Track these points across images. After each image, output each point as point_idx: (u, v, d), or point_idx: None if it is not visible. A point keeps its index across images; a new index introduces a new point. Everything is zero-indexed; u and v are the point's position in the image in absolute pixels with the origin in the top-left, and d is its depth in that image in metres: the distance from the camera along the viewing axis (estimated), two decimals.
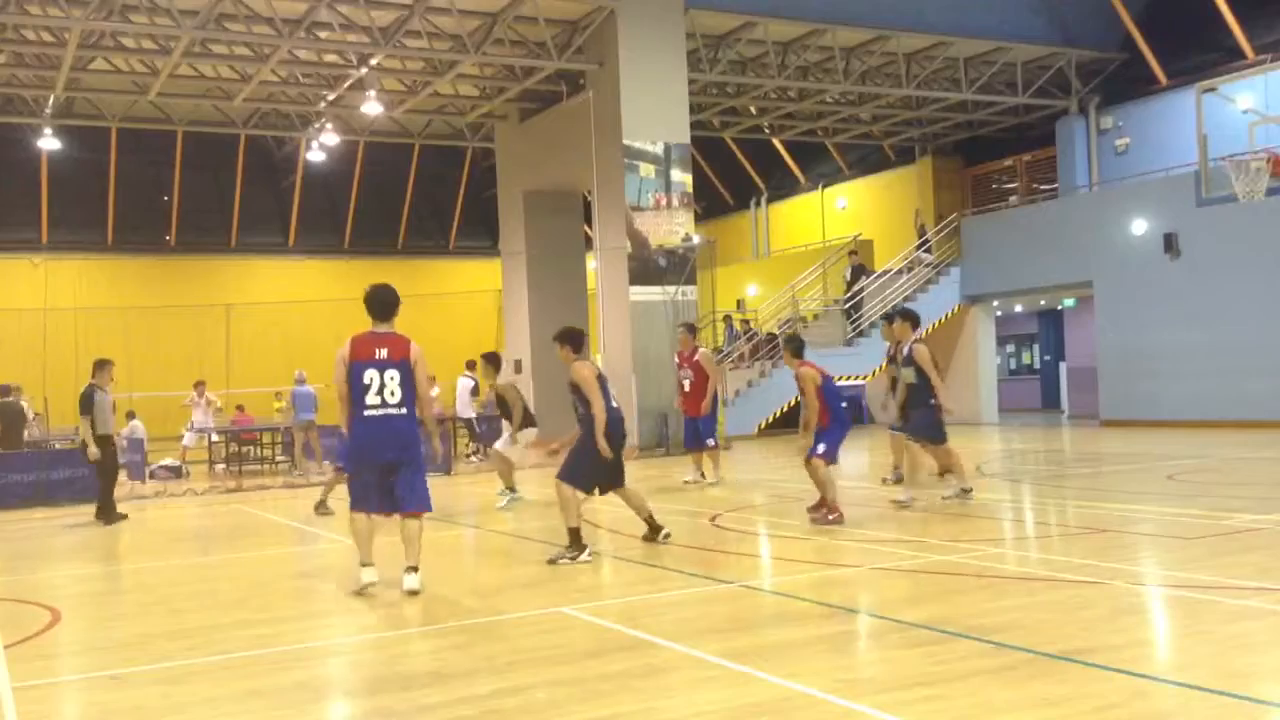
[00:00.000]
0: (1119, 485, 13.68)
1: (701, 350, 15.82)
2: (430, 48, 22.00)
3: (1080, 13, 25.47)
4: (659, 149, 22.23)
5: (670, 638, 6.27)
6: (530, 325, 26.34)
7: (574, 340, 9.53)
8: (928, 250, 27.74)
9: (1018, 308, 30.35)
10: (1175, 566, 7.98)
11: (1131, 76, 25.75)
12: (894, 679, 5.32)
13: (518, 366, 26.51)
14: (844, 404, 10.94)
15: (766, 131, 30.94)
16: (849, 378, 26.64)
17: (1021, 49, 25.25)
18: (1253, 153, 18.84)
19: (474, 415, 22.07)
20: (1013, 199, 29.29)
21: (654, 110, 22.09)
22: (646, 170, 22.13)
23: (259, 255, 35.23)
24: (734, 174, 35.76)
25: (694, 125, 24.22)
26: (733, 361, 26.51)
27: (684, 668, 5.71)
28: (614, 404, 9.29)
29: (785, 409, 23.72)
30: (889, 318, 13.15)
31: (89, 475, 14.51)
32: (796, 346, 11.16)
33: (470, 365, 23.17)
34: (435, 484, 17.11)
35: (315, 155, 31.41)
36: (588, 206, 25.44)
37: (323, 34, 21.33)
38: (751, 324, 28.46)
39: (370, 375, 7.77)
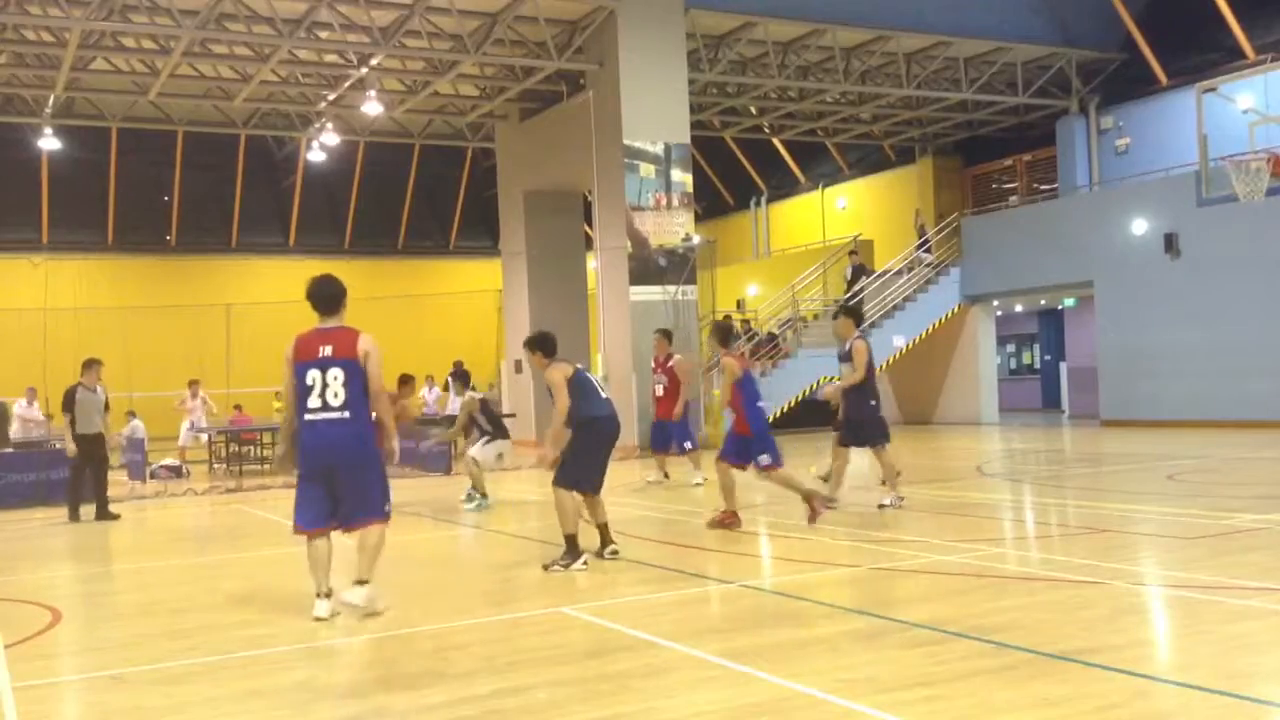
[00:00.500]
0: (1119, 485, 13.68)
1: (677, 357, 15.93)
2: (430, 48, 22.00)
3: (1080, 13, 25.46)
4: (659, 149, 22.23)
5: (670, 638, 6.27)
6: (530, 325, 26.26)
7: (543, 345, 9.32)
8: (928, 250, 27.74)
9: (1018, 308, 30.34)
10: (1176, 566, 7.98)
11: (1132, 76, 25.74)
12: (894, 679, 5.32)
13: (518, 366, 26.53)
14: (761, 403, 10.63)
15: (766, 131, 30.94)
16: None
17: (1021, 49, 25.24)
18: (1253, 153, 18.85)
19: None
20: (1013, 199, 29.28)
21: (654, 110, 22.09)
22: (647, 170, 22.13)
23: (259, 255, 35.21)
24: (734, 174, 35.76)
25: (694, 125, 24.22)
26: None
27: (684, 668, 5.71)
28: (604, 397, 9.17)
29: (786, 409, 23.70)
30: (837, 315, 13.05)
31: (93, 476, 14.56)
32: (722, 334, 10.96)
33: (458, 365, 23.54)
34: (436, 484, 17.07)
35: (315, 155, 31.39)
36: (588, 206, 25.43)
37: (323, 34, 21.33)
38: (752, 324, 28.46)
39: (312, 376, 7.08)
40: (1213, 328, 22.11)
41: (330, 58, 23.02)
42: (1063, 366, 30.75)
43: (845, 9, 23.32)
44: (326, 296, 7.29)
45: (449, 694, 5.37)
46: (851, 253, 28.17)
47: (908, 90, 25.49)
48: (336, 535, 7.31)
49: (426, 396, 26.89)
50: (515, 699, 5.23)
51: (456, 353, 27.90)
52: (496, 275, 30.48)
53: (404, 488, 16.85)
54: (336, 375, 7.05)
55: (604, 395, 9.23)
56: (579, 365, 9.41)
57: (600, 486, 9.19)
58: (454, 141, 30.82)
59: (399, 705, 5.29)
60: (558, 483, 8.98)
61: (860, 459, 11.95)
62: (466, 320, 36.53)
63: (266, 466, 22.11)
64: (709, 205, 35.19)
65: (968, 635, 5.99)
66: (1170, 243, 22.89)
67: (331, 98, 25.20)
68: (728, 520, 10.57)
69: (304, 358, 7.12)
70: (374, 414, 7.25)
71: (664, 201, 22.32)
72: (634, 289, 21.99)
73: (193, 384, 23.93)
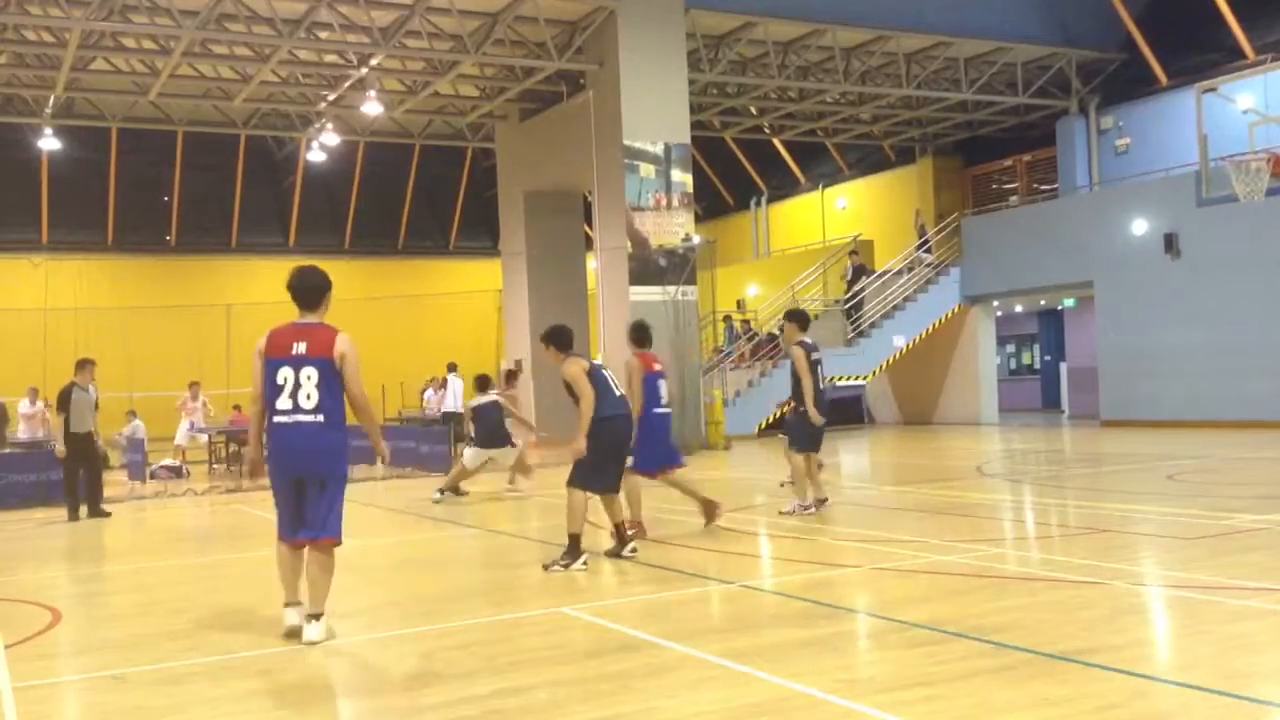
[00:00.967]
0: (1119, 485, 13.68)
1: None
2: (430, 48, 22.00)
3: (1080, 13, 25.47)
4: (659, 149, 22.23)
5: (670, 638, 6.27)
6: (530, 325, 26.30)
7: (559, 339, 9.23)
8: (928, 250, 27.75)
9: (1018, 308, 30.35)
10: (1175, 566, 7.98)
11: (1132, 76, 25.75)
12: (894, 679, 5.32)
13: (518, 366, 26.54)
14: (658, 410, 10.39)
15: (767, 131, 30.94)
16: (849, 378, 26.66)
17: (1022, 49, 25.25)
18: (1253, 153, 18.85)
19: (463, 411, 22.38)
20: (1013, 199, 29.29)
21: (654, 110, 22.09)
22: (647, 170, 22.13)
23: (259, 255, 35.20)
24: (734, 174, 35.76)
25: (694, 125, 24.22)
26: (733, 361, 26.51)
27: (684, 668, 5.70)
28: (618, 395, 9.10)
29: (786, 409, 23.69)
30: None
31: (86, 475, 14.61)
32: (638, 333, 10.76)
33: (452, 367, 23.79)
34: (435, 484, 17.03)
35: (315, 155, 31.40)
36: (588, 206, 25.44)
37: (323, 34, 21.34)
38: (752, 324, 28.47)
39: (284, 374, 6.55)
40: (1213, 328, 22.11)
41: (330, 58, 23.03)
42: (1063, 367, 30.75)
43: (845, 9, 23.33)
44: (308, 289, 6.80)
45: (449, 694, 5.37)
46: (852, 253, 28.18)
47: (908, 90, 25.50)
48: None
49: (429, 398, 26.92)
50: (515, 699, 5.23)
51: (456, 353, 27.94)
52: (496, 275, 30.49)
53: (404, 488, 16.86)
54: (310, 375, 6.53)
55: (618, 394, 9.15)
56: (596, 361, 9.33)
57: (617, 486, 9.15)
58: (454, 141, 30.83)
59: (399, 705, 5.29)
60: (571, 483, 8.92)
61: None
62: (466, 320, 36.54)
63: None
64: (709, 205, 35.20)
65: (968, 635, 5.99)
66: (1170, 243, 22.90)
67: (331, 98, 25.21)
68: (634, 528, 10.31)
69: (277, 354, 6.60)
70: (363, 422, 6.84)
71: (664, 202, 22.32)
72: (634, 289, 21.99)
73: (193, 386, 23.97)
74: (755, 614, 7.15)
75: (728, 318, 28.31)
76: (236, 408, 26.47)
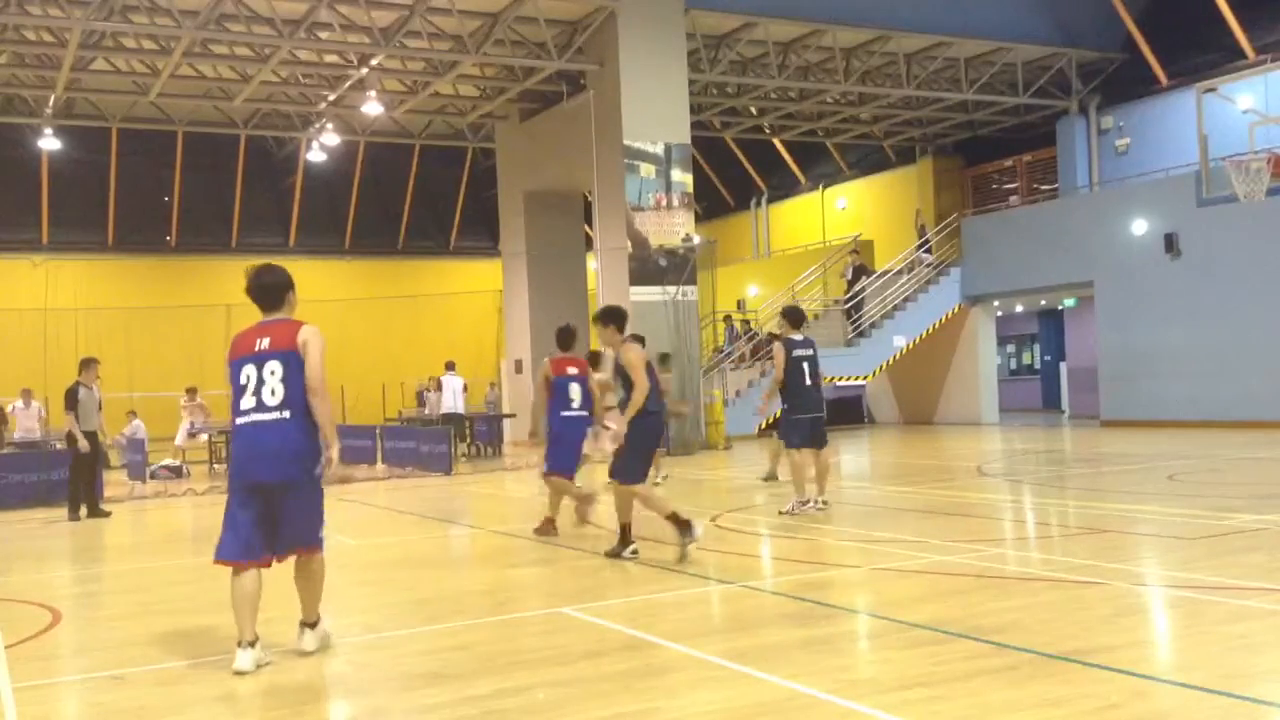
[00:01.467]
0: (1119, 485, 13.67)
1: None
2: (430, 48, 22.00)
3: (1080, 13, 25.47)
4: (659, 149, 22.23)
5: (671, 638, 6.27)
6: (530, 326, 26.35)
7: (619, 319, 9.04)
8: (928, 250, 27.75)
9: (1018, 308, 30.35)
10: (1176, 567, 7.98)
11: (1132, 77, 25.75)
12: (895, 679, 5.32)
13: (518, 367, 26.55)
14: (565, 414, 10.56)
15: (767, 132, 30.94)
16: (849, 378, 26.67)
17: (1022, 49, 25.25)
18: (1253, 153, 18.84)
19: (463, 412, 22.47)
20: (1013, 199, 29.29)
21: (654, 110, 22.09)
22: (647, 170, 22.13)
23: (259, 255, 35.04)
24: (734, 174, 35.77)
25: (694, 125, 24.22)
26: (733, 361, 26.51)
27: (684, 668, 5.70)
28: (659, 392, 9.02)
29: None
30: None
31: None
32: (560, 336, 10.82)
33: (450, 365, 23.77)
34: (435, 484, 17.05)
35: (315, 155, 31.40)
36: (588, 207, 25.44)
37: (323, 34, 21.33)
38: (752, 324, 28.47)
39: (247, 373, 6.08)
40: (1213, 328, 22.11)
41: (330, 58, 23.03)
42: (1063, 367, 30.76)
43: (845, 9, 23.33)
44: (267, 288, 6.26)
45: (449, 694, 5.36)
46: (853, 252, 28.19)
47: (908, 90, 25.50)
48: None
49: (428, 397, 26.95)
50: (515, 699, 5.23)
51: (457, 353, 27.96)
52: (496, 275, 30.50)
53: (405, 487, 16.85)
54: (274, 370, 6.04)
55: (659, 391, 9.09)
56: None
57: (643, 480, 9.09)
58: (454, 142, 30.84)
59: (399, 705, 5.29)
60: (622, 478, 8.80)
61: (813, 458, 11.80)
62: (466, 320, 36.55)
63: None
64: (709, 205, 35.20)
65: (968, 636, 5.99)
66: (1170, 243, 22.90)
67: (331, 98, 25.20)
68: (545, 528, 10.62)
69: (240, 353, 6.16)
70: (316, 411, 6.10)
71: (664, 202, 22.32)
72: (634, 289, 21.99)
73: (189, 391, 23.92)
74: (755, 614, 7.15)
75: (728, 318, 28.32)
76: None
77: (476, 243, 38.27)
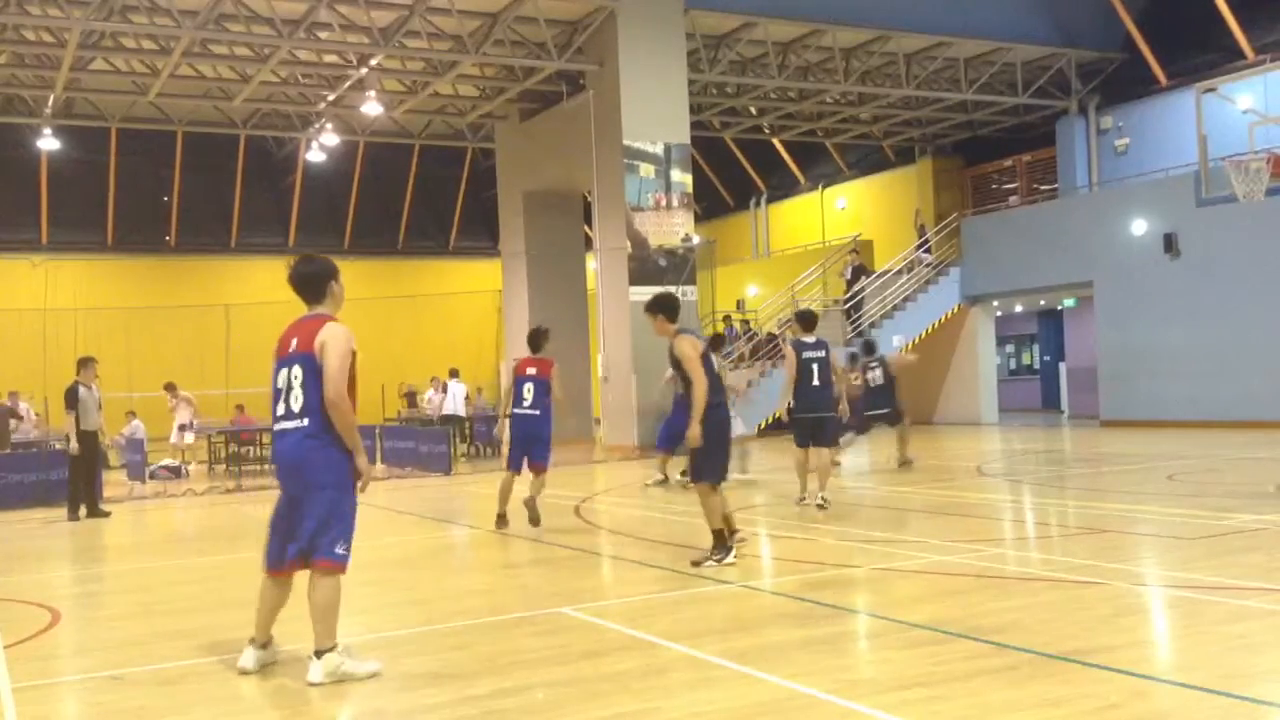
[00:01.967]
0: (1119, 485, 13.67)
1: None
2: (430, 48, 22.00)
3: (1080, 13, 25.47)
4: (659, 149, 22.23)
5: (670, 638, 6.27)
6: (530, 326, 26.29)
7: (669, 309, 8.53)
8: (928, 250, 27.74)
9: (1018, 308, 30.33)
10: (1176, 567, 7.98)
11: (1131, 77, 25.75)
12: (895, 679, 5.32)
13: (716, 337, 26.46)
14: (516, 411, 10.97)
15: (766, 132, 30.94)
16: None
17: (1021, 49, 25.25)
18: (1253, 153, 18.81)
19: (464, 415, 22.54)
20: (1013, 199, 29.28)
21: (654, 110, 22.09)
22: (646, 170, 22.13)
23: (259, 255, 35.19)
24: (734, 174, 35.77)
25: (694, 125, 24.22)
26: (733, 361, 26.49)
27: (684, 668, 5.71)
28: (719, 382, 8.53)
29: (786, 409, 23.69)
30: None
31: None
32: (529, 338, 11.25)
33: (454, 373, 23.83)
34: (435, 484, 17.03)
35: (315, 155, 31.38)
36: (588, 207, 25.43)
37: (323, 34, 21.33)
38: (751, 324, 28.47)
39: (282, 377, 5.85)
40: (1213, 328, 22.10)
41: (330, 58, 23.02)
42: (1062, 367, 30.75)
43: (845, 9, 23.33)
44: (303, 279, 6.05)
45: (449, 694, 5.37)
46: (852, 252, 28.19)
47: (907, 90, 25.50)
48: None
49: (432, 398, 26.91)
50: (515, 699, 5.23)
51: (457, 353, 27.99)
52: (496, 275, 30.49)
53: (404, 488, 16.86)
54: (296, 374, 5.77)
55: (719, 381, 8.63)
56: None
57: (724, 477, 8.79)
58: (454, 141, 30.83)
59: (399, 705, 5.29)
60: (705, 479, 8.48)
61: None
62: (466, 320, 36.56)
63: (266, 467, 22.12)
64: (709, 205, 35.21)
65: (968, 636, 5.99)
66: (1170, 243, 22.89)
67: (331, 98, 25.20)
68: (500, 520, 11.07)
69: (277, 354, 5.92)
70: (337, 426, 5.77)
71: (664, 202, 22.32)
72: (634, 289, 21.96)
73: (168, 387, 23.71)
74: (755, 614, 7.15)
75: (727, 318, 28.32)
76: (239, 408, 26.49)
77: (476, 243, 38.28)
